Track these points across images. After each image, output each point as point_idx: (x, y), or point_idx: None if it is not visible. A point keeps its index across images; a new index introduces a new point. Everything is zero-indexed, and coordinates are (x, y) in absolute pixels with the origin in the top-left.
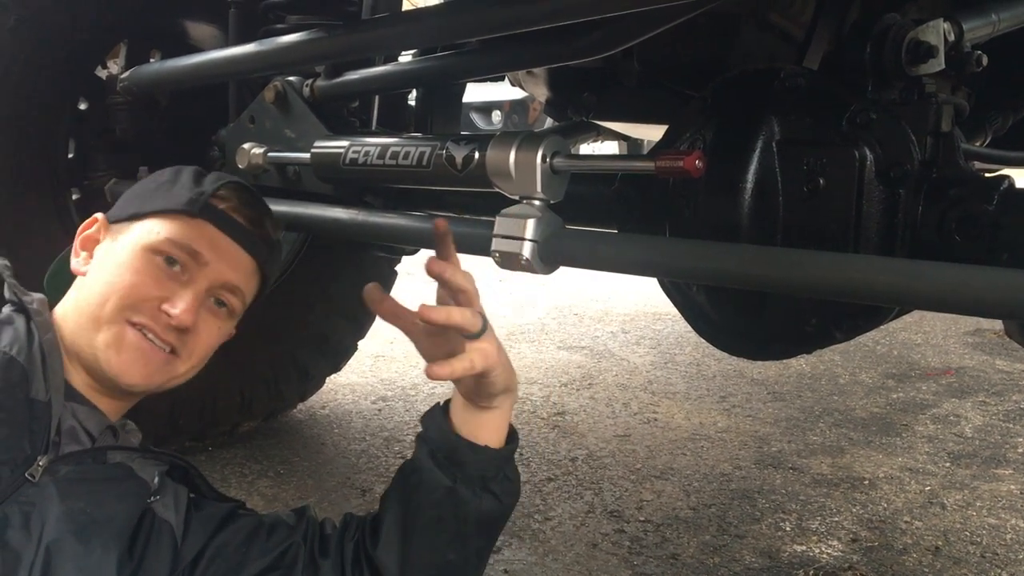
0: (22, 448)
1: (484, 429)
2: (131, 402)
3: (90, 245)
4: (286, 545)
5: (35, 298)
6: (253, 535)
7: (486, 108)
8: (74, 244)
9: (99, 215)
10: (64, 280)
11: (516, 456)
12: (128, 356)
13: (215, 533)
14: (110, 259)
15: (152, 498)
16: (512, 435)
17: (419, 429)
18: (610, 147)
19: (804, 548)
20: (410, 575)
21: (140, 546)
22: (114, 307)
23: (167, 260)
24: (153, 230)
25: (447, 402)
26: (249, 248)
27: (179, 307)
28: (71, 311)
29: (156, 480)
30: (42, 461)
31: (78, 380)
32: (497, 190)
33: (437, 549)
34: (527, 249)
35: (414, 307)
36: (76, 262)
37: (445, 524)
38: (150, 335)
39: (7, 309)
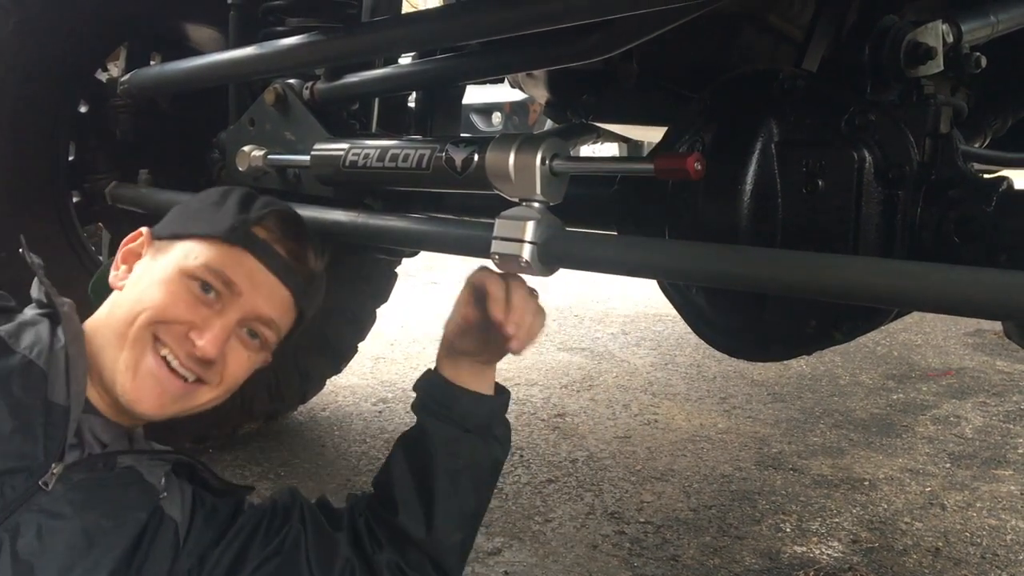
0: (36, 455)
1: (482, 382)
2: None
3: (132, 259)
4: (284, 532)
5: (66, 302)
6: (255, 530)
7: (486, 110)
8: (116, 256)
9: (144, 229)
10: (104, 290)
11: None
12: (142, 383)
13: (220, 530)
14: (146, 277)
15: (161, 495)
16: (501, 387)
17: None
18: (610, 149)
19: (804, 549)
20: (438, 533)
21: (146, 544)
22: (142, 325)
23: (202, 286)
24: (191, 254)
25: (434, 369)
26: (287, 281)
27: (205, 338)
28: (101, 325)
29: (163, 481)
30: (56, 469)
31: (96, 397)
32: (497, 192)
33: (460, 499)
34: (527, 251)
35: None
36: (115, 275)
37: (466, 474)
38: (173, 362)
39: (31, 310)
